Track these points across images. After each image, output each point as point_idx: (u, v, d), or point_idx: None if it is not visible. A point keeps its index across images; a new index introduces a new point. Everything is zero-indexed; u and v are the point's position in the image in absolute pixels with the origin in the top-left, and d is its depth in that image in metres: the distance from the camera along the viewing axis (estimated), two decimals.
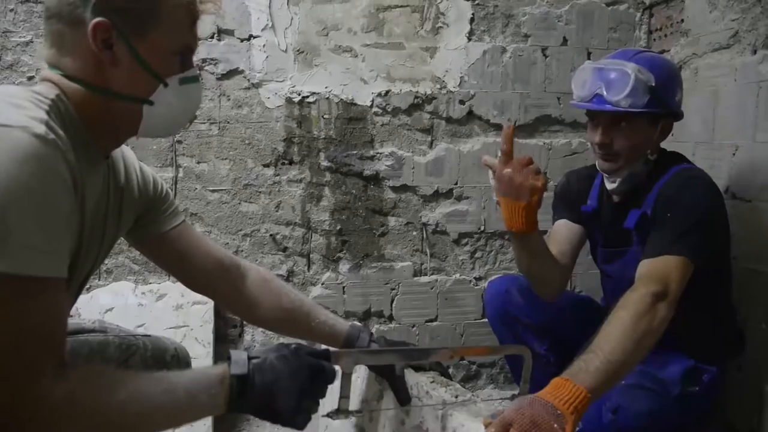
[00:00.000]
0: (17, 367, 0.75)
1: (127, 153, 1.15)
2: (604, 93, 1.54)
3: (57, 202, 0.80)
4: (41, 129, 0.79)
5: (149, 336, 1.33)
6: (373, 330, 2.32)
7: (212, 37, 2.18)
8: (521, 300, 1.79)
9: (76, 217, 0.88)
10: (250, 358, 0.91)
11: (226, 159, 2.23)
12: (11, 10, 2.06)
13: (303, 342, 1.08)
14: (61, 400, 0.76)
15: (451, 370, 2.43)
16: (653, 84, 1.52)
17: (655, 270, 1.39)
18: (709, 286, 1.57)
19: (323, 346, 1.23)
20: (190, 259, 1.25)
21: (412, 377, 1.28)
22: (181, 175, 2.21)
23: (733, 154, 1.95)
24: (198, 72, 1.05)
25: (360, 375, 1.43)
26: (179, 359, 1.33)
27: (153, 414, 0.84)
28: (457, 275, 2.44)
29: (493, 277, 2.38)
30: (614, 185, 1.63)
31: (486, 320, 2.01)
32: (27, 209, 0.75)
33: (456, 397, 1.18)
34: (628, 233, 1.62)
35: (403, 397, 1.27)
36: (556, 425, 0.99)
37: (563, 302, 1.77)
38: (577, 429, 1.03)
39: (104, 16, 0.89)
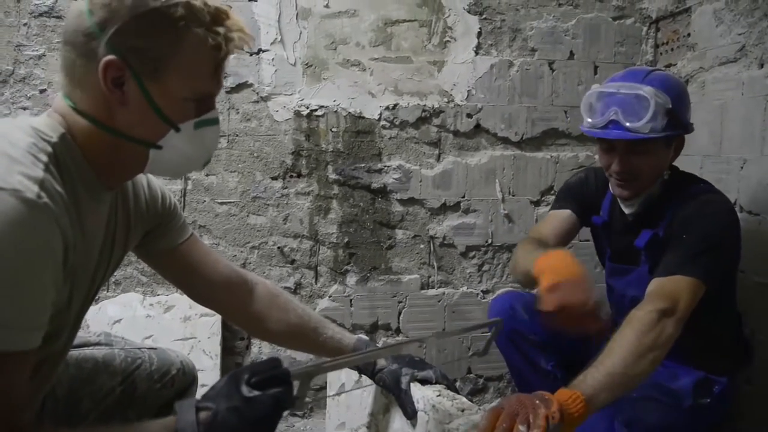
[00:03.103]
0: None
1: None
2: (621, 119, 1.48)
3: (37, 272, 0.77)
4: (33, 192, 0.76)
5: (155, 349, 1.33)
6: (380, 343, 2.31)
7: None
8: (527, 316, 1.77)
9: (68, 270, 0.85)
10: (198, 410, 0.84)
11: (234, 172, 2.25)
12: (24, 24, 2.09)
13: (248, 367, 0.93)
14: None
15: (458, 384, 2.42)
16: (670, 106, 1.47)
17: (664, 288, 1.39)
18: (716, 299, 1.56)
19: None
20: (198, 274, 1.24)
21: (418, 391, 1.28)
22: (189, 187, 2.23)
23: (741, 168, 1.95)
24: (218, 114, 0.98)
25: (367, 390, 1.44)
26: (185, 372, 1.33)
27: None
28: (465, 288, 2.44)
29: (496, 294, 2.38)
30: (632, 209, 1.61)
31: None
32: (1, 282, 0.73)
33: (462, 411, 1.17)
34: (637, 252, 1.61)
35: (410, 411, 1.27)
36: (538, 401, 1.05)
37: None
38: None
39: (118, 53, 0.85)
